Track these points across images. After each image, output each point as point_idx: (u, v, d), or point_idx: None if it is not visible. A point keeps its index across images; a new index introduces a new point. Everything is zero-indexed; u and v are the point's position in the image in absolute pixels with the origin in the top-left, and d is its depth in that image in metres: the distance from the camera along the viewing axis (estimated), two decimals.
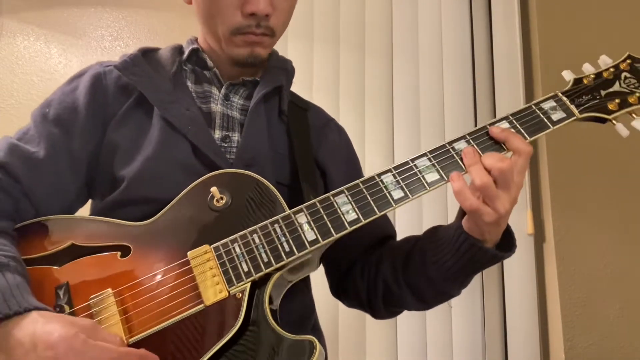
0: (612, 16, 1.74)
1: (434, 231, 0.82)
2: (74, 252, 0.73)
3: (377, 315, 0.93)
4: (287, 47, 1.92)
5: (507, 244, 0.78)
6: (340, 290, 0.96)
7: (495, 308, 1.71)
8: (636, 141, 1.64)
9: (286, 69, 0.97)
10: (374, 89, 1.89)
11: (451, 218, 0.86)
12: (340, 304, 1.69)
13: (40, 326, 0.59)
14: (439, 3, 1.92)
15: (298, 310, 0.84)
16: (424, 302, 0.86)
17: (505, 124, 0.77)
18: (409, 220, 1.75)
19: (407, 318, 1.71)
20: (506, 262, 1.71)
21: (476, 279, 1.72)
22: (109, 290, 0.69)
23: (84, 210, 0.88)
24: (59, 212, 0.78)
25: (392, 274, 0.84)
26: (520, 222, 1.70)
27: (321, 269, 1.03)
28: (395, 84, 1.89)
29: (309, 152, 0.91)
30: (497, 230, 0.75)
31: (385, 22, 1.95)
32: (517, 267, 1.68)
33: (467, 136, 0.77)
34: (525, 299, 1.66)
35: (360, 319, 1.73)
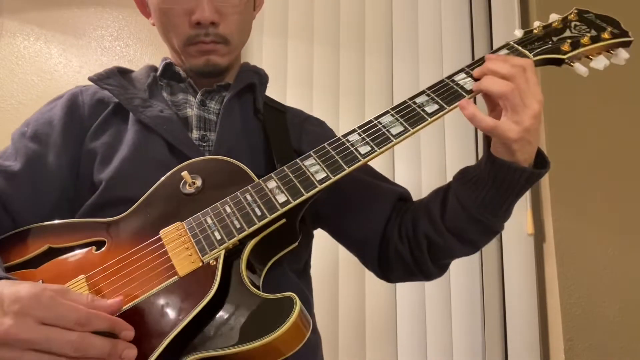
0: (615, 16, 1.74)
1: (464, 172, 0.82)
2: (51, 254, 0.73)
3: (427, 274, 0.89)
4: (286, 47, 1.92)
5: (540, 162, 0.77)
6: (383, 265, 0.92)
7: (495, 308, 1.71)
8: (636, 141, 1.65)
9: (258, 73, 1.00)
10: (374, 89, 1.89)
11: (450, 176, 0.86)
12: (340, 302, 1.71)
13: (7, 287, 0.59)
14: (439, 3, 1.92)
15: None
16: (470, 244, 0.84)
17: (462, 75, 0.79)
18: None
19: (407, 318, 1.71)
20: (506, 262, 1.71)
21: (476, 279, 1.72)
22: (82, 276, 0.70)
23: None
24: (37, 223, 0.78)
25: (432, 226, 0.83)
26: (520, 222, 1.70)
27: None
28: (395, 84, 1.89)
29: (287, 144, 0.92)
30: (529, 149, 0.73)
31: (385, 22, 1.95)
32: (517, 267, 1.68)
33: (427, 90, 0.80)
34: (525, 299, 1.66)
35: (360, 318, 1.73)
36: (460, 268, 1.72)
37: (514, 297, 1.67)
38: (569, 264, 1.60)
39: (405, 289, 1.74)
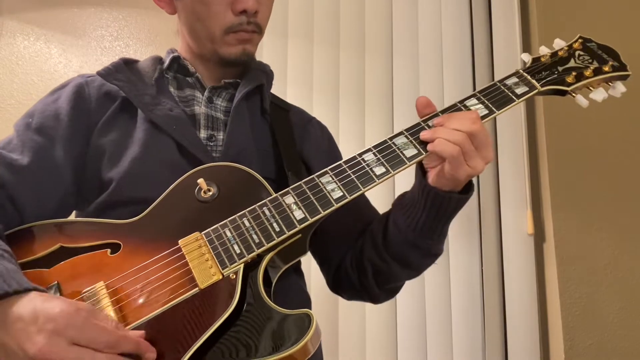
0: (614, 15, 1.74)
1: (401, 198, 0.86)
2: (63, 254, 0.73)
3: (374, 298, 0.93)
4: (287, 47, 1.92)
5: (464, 187, 0.81)
6: (336, 284, 0.97)
7: (495, 308, 1.71)
8: (636, 141, 1.65)
9: (265, 71, 1.00)
10: (374, 89, 1.89)
11: None
12: (340, 303, 1.71)
13: (40, 303, 0.59)
14: (438, 3, 1.92)
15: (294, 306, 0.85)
16: (412, 268, 0.88)
17: (473, 101, 0.82)
18: None
19: (407, 317, 1.71)
20: (506, 262, 1.71)
21: (476, 279, 1.72)
22: (101, 283, 0.70)
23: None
24: (44, 218, 0.77)
25: (375, 251, 0.86)
26: (521, 222, 1.70)
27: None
28: (395, 84, 1.89)
29: (293, 147, 0.93)
30: (467, 180, 0.79)
31: (385, 22, 1.95)
32: (517, 267, 1.68)
33: (440, 113, 0.82)
34: (525, 299, 1.66)
35: (360, 318, 1.73)
36: (461, 268, 1.73)
37: (514, 297, 1.67)
38: (569, 264, 1.60)
39: (405, 289, 1.73)
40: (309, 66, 1.91)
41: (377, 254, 0.86)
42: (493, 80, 1.83)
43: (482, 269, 1.74)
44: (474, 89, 1.85)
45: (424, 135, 0.78)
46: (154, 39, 2.06)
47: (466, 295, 1.71)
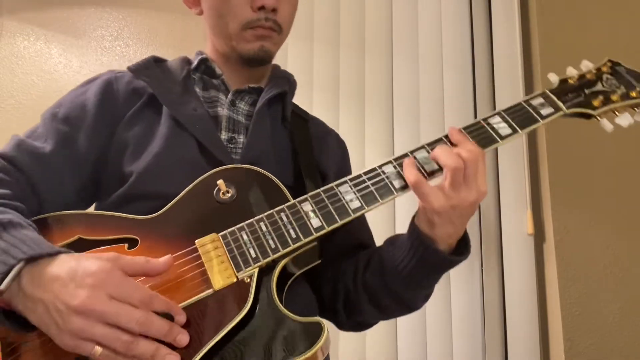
0: (613, 16, 1.74)
1: (396, 236, 0.84)
2: (81, 246, 0.73)
3: (339, 324, 0.92)
4: (287, 47, 1.92)
5: (461, 250, 0.78)
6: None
7: (495, 308, 1.71)
8: (636, 141, 1.65)
9: (289, 80, 1.01)
10: (374, 89, 1.90)
11: None
12: None
13: (75, 262, 0.62)
14: (439, 3, 1.92)
15: (301, 310, 0.85)
16: (381, 309, 0.85)
17: (497, 119, 0.81)
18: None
19: (407, 318, 1.71)
20: (506, 262, 1.71)
21: (476, 279, 1.72)
22: None
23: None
24: (62, 207, 0.78)
25: (353, 277, 0.86)
26: (521, 222, 1.70)
27: None
28: (395, 84, 1.89)
29: (311, 155, 0.94)
30: (449, 229, 0.74)
31: (385, 22, 1.95)
32: (517, 267, 1.68)
33: (448, 142, 0.80)
34: (525, 299, 1.66)
35: None
36: (461, 268, 1.72)
37: (514, 297, 1.67)
38: (569, 264, 1.60)
39: None
40: (309, 66, 1.91)
41: (352, 280, 0.86)
42: (493, 80, 1.85)
43: (482, 269, 1.74)
44: (474, 89, 1.87)
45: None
46: (154, 39, 2.06)
47: (466, 295, 1.71)
